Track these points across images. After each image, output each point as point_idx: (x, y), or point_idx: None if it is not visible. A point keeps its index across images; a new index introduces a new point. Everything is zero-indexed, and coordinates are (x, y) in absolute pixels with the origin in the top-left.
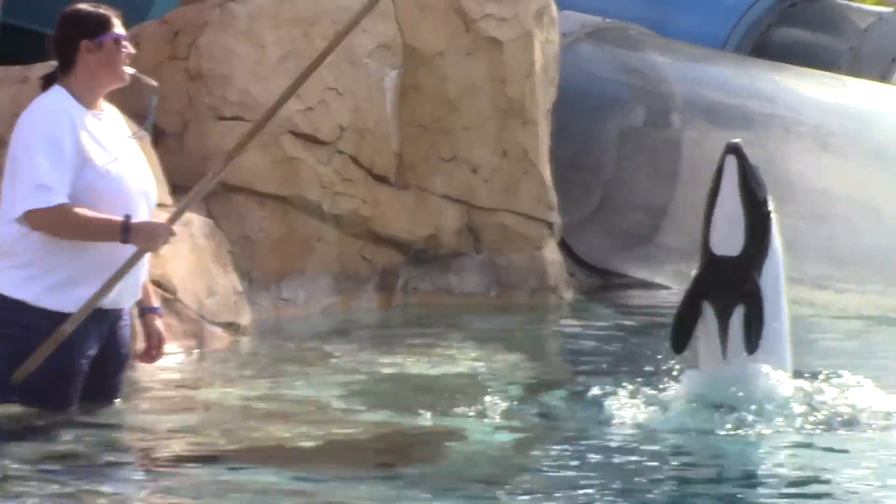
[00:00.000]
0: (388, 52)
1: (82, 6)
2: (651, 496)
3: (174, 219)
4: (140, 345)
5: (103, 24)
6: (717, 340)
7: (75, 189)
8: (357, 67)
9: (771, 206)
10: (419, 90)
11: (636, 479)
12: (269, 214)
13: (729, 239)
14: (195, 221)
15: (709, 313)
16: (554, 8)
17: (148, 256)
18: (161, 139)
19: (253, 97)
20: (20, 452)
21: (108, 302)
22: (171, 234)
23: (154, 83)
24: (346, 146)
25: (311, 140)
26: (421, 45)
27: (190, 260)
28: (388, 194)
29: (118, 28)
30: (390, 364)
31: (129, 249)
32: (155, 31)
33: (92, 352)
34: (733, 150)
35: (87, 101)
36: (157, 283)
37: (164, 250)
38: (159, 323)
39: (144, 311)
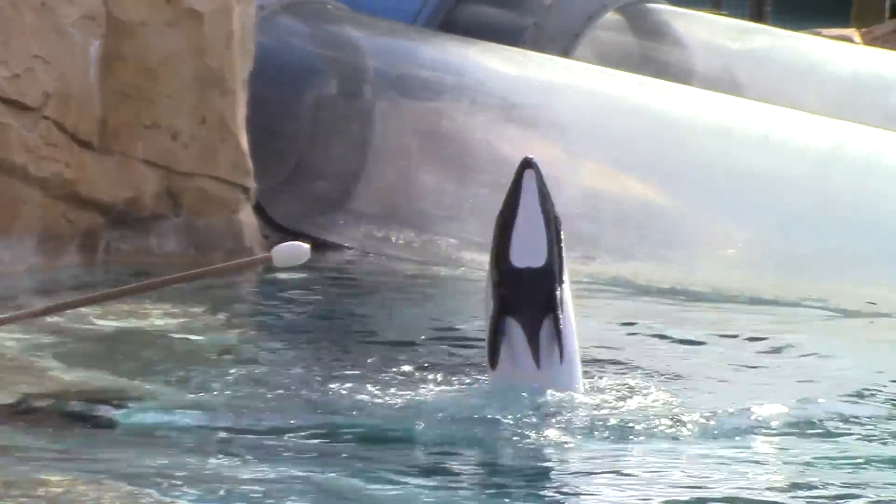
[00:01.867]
0: (92, 22)
1: None
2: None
3: None
4: None
5: None
6: (528, 352)
7: None
8: (63, 36)
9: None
10: (123, 59)
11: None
12: None
13: (532, 251)
14: None
15: (515, 326)
16: None
17: None
18: None
19: None
20: None
21: None
22: None
23: None
24: (52, 112)
25: (18, 106)
26: (124, 16)
27: None
28: (91, 159)
29: None
30: (92, 318)
31: None
32: None
33: None
34: (530, 164)
35: None
36: None
37: None
38: None
39: None
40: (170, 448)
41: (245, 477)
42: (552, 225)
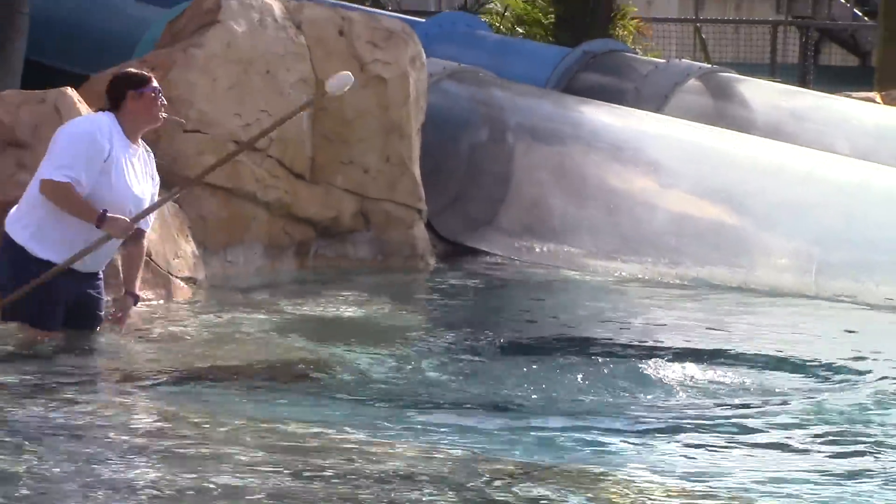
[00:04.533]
0: (304, 84)
1: (131, 69)
2: None
3: (137, 219)
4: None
5: (144, 80)
6: None
7: (91, 184)
8: (283, 95)
9: None
10: (327, 112)
11: None
12: (218, 201)
13: None
14: (166, 205)
15: None
16: (423, 55)
17: (117, 242)
18: None
19: (208, 116)
20: (25, 367)
21: (81, 266)
22: (131, 229)
23: (181, 120)
24: (275, 152)
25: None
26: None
27: (161, 232)
28: (304, 187)
29: (154, 83)
30: (307, 307)
31: (101, 233)
32: (137, 68)
33: (64, 297)
34: None
35: (128, 134)
36: None
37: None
38: (133, 306)
39: (126, 291)
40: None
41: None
42: None
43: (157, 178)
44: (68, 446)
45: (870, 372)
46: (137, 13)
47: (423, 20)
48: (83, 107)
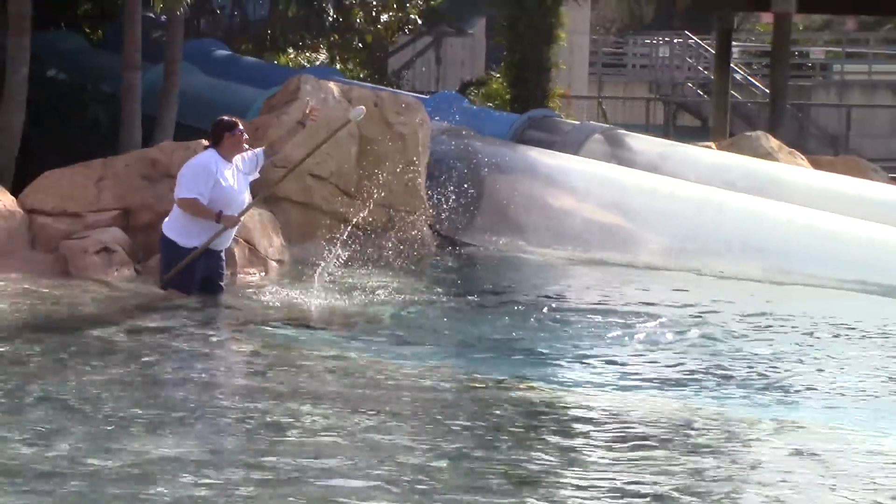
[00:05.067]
0: (352, 138)
1: (225, 117)
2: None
3: (241, 214)
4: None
5: (234, 125)
6: None
7: (210, 194)
8: (338, 143)
9: None
10: (364, 153)
11: None
12: (297, 210)
13: None
14: (263, 212)
15: None
16: (428, 119)
17: (233, 230)
18: None
19: (291, 156)
20: (178, 315)
21: (211, 246)
22: (238, 222)
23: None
24: (334, 179)
25: (318, 177)
26: (366, 133)
27: (259, 229)
28: (352, 202)
29: (240, 126)
30: (355, 278)
31: (218, 226)
32: (248, 127)
33: (202, 271)
34: None
35: (225, 158)
36: (245, 240)
37: (245, 224)
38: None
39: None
40: None
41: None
42: None
43: (255, 174)
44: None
45: (692, 309)
46: (249, 94)
47: (427, 97)
48: None
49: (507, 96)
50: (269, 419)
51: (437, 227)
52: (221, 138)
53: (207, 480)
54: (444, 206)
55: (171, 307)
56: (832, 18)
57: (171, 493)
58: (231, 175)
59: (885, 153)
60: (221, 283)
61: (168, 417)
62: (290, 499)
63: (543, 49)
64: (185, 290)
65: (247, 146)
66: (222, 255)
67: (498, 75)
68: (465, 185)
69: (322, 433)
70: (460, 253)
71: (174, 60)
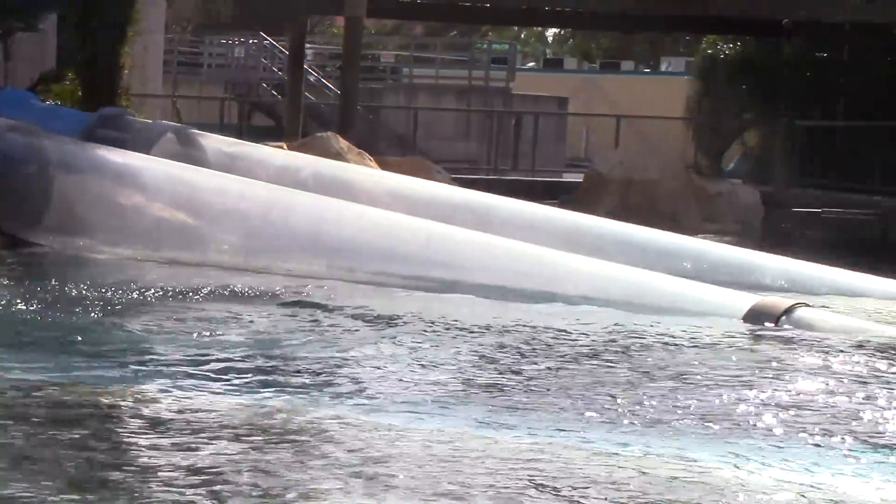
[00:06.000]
0: None
1: None
2: None
3: None
4: None
5: None
6: None
7: None
8: None
9: None
10: None
11: None
12: None
13: None
14: None
15: None
16: None
17: None
18: None
19: None
20: None
21: None
22: None
23: None
24: None
25: None
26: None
27: None
28: None
29: None
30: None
31: None
32: None
33: None
34: None
35: None
36: None
37: None
38: None
39: None
40: None
41: None
42: None
43: None
44: None
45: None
46: None
47: None
48: None
49: (79, 94)
50: None
51: (2, 226)
52: None
53: None
54: (9, 205)
55: None
56: (402, 23)
57: None
58: None
59: (450, 154)
60: None
61: None
62: None
63: (116, 47)
64: None
65: None
66: None
67: (70, 73)
68: (32, 184)
69: None
70: (27, 251)
71: None
